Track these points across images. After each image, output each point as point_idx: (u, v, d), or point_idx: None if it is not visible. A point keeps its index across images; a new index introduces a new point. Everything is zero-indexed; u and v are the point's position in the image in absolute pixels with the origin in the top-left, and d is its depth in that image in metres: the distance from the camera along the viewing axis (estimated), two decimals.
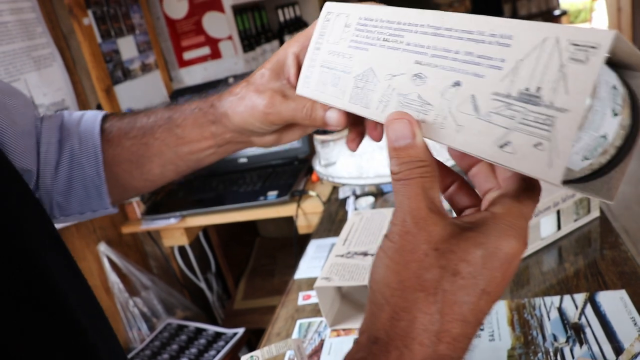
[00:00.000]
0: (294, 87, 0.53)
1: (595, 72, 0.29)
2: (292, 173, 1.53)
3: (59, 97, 1.51)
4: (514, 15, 5.30)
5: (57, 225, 0.56)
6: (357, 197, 1.29)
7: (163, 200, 1.63)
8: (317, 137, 1.25)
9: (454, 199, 0.41)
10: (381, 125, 0.49)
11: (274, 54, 0.56)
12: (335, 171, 1.13)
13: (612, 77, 0.33)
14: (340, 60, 0.46)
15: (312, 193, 1.40)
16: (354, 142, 0.54)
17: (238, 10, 1.95)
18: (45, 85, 1.46)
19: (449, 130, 0.36)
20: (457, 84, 0.36)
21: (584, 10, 9.69)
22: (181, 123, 0.61)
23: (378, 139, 0.50)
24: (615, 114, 0.32)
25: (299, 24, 2.60)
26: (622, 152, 0.34)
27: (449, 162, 0.82)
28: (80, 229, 1.55)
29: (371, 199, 1.25)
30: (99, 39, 1.60)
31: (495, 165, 0.37)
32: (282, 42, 2.35)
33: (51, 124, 0.64)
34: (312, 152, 1.52)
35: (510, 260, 0.33)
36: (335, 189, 1.39)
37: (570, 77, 0.30)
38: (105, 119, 0.66)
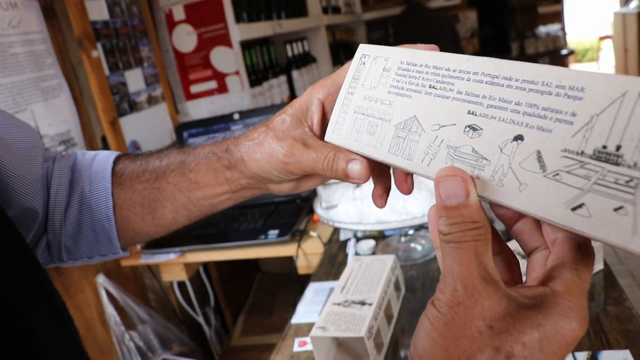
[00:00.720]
0: (317, 135, 0.51)
1: None
2: (294, 212, 1.53)
3: (65, 127, 1.51)
4: (522, 53, 5.33)
5: None
6: (358, 239, 1.28)
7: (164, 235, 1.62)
8: None
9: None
10: (411, 178, 0.46)
11: (297, 99, 0.53)
12: (336, 215, 1.12)
13: None
14: (378, 107, 0.43)
15: (312, 234, 1.38)
16: (382, 197, 0.51)
17: (246, 46, 1.97)
18: (52, 116, 1.47)
19: (509, 189, 0.33)
20: (519, 137, 0.33)
21: (591, 50, 9.75)
22: (194, 167, 0.59)
23: (408, 192, 0.47)
24: None
25: (307, 59, 2.62)
26: None
27: None
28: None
29: (372, 242, 1.24)
30: (106, 71, 1.61)
31: (543, 223, 0.35)
32: (289, 77, 2.36)
33: (63, 165, 0.63)
34: (314, 190, 1.52)
35: (569, 343, 0.31)
36: (336, 229, 1.38)
37: None
38: (117, 160, 0.65)
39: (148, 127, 1.77)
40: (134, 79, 1.73)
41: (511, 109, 0.34)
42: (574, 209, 0.30)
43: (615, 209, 0.28)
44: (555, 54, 6.35)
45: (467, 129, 0.36)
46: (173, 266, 1.59)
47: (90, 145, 1.60)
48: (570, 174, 0.30)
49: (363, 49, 0.46)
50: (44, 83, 1.46)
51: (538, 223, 0.37)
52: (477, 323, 0.31)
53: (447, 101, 0.38)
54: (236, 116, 1.67)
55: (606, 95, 0.30)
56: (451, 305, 0.31)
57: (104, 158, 0.65)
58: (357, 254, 1.22)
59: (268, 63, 2.22)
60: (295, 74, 2.40)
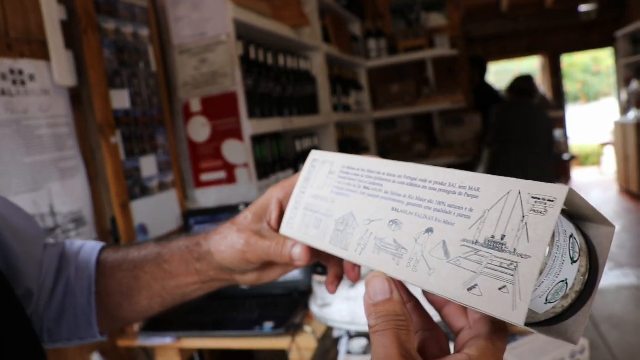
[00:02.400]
0: (274, 229, 0.58)
1: (553, 222, 0.33)
2: (290, 305, 1.55)
3: (77, 207, 1.57)
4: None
5: None
6: (351, 337, 1.30)
7: (162, 318, 1.64)
8: (315, 278, 1.28)
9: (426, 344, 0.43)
10: (359, 267, 0.53)
11: (259, 198, 0.61)
12: (330, 314, 1.15)
13: (569, 227, 0.36)
14: (323, 204, 0.50)
15: (307, 329, 1.40)
16: (333, 284, 0.58)
17: (257, 139, 2.07)
18: (66, 195, 1.53)
19: (421, 273, 0.38)
20: (429, 230, 0.39)
21: (593, 155, 9.95)
22: (169, 259, 0.66)
23: (355, 279, 0.54)
24: (574, 261, 0.36)
25: None
26: (583, 297, 0.37)
27: None
28: None
29: (364, 341, 1.26)
30: (123, 157, 1.69)
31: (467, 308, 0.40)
32: (297, 171, 2.44)
33: (53, 253, 0.69)
34: (311, 286, 1.55)
35: None
36: (331, 327, 1.40)
37: (531, 226, 0.33)
38: (102, 251, 0.71)
39: (157, 211, 1.83)
40: (148, 165, 1.82)
41: (425, 205, 0.40)
42: (469, 289, 0.35)
43: (500, 288, 0.34)
44: (558, 159, 6.50)
45: (391, 223, 0.42)
46: (168, 350, 1.60)
47: (100, 226, 1.65)
48: (467, 260, 0.36)
49: (314, 154, 0.54)
50: (63, 163, 1.53)
51: (463, 307, 0.41)
52: None
53: (376, 200, 0.44)
54: (242, 207, 1.73)
55: (495, 194, 0.36)
56: None
57: (90, 249, 0.71)
58: (349, 352, 1.24)
59: (277, 157, 2.31)
60: (302, 168, 2.48)
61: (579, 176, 8.94)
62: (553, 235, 0.34)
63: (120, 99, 1.71)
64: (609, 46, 8.29)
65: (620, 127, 7.09)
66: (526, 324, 0.35)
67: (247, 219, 0.60)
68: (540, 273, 0.34)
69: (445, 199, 0.39)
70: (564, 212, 0.38)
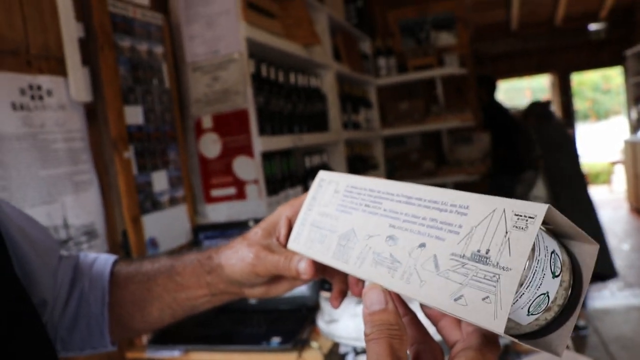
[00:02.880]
0: (282, 245, 0.61)
1: (532, 237, 0.35)
2: (298, 320, 1.56)
3: (90, 220, 1.60)
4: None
5: None
6: (357, 353, 1.31)
7: (170, 331, 1.65)
8: (323, 294, 1.29)
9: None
10: (362, 283, 0.56)
11: (269, 215, 0.64)
12: (336, 329, 1.17)
13: (552, 244, 0.39)
14: (328, 221, 0.53)
15: (314, 345, 1.41)
16: (337, 299, 0.61)
17: (267, 156, 2.09)
18: (79, 208, 1.56)
19: (414, 285, 0.41)
20: (422, 245, 0.42)
21: (603, 173, 9.93)
22: (181, 271, 0.68)
23: (359, 295, 0.57)
24: (555, 275, 0.38)
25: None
26: (566, 311, 0.39)
27: None
28: None
29: None
30: (135, 171, 1.72)
31: (456, 317, 0.42)
32: (306, 188, 2.47)
33: (67, 264, 0.72)
34: (318, 302, 1.56)
35: None
36: (338, 343, 1.41)
37: (513, 241, 0.36)
38: (115, 263, 0.73)
39: (167, 226, 1.85)
40: (159, 180, 1.85)
41: (419, 222, 0.43)
42: (456, 299, 0.38)
43: (483, 299, 0.36)
44: None
45: (388, 238, 0.45)
46: None
47: (111, 239, 1.68)
48: (455, 272, 0.38)
49: (321, 174, 0.58)
50: (77, 177, 1.56)
51: (457, 321, 0.44)
52: None
53: (376, 217, 0.47)
54: (251, 223, 1.75)
55: (482, 211, 0.39)
56: None
57: (104, 261, 0.74)
58: None
59: (286, 173, 2.33)
60: (311, 184, 2.50)
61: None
62: (533, 250, 0.36)
63: (134, 115, 1.75)
64: (618, 64, 8.30)
65: (631, 146, 7.08)
66: (512, 335, 0.38)
67: (257, 234, 0.63)
68: (521, 285, 0.36)
69: (437, 216, 0.42)
70: (549, 231, 0.40)
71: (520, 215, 0.36)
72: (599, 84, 13.93)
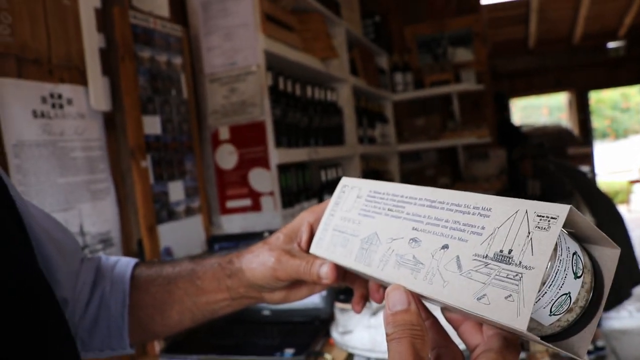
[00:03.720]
0: (304, 250, 0.62)
1: (554, 237, 0.36)
2: (311, 332, 1.55)
3: (106, 228, 1.61)
4: None
5: None
6: None
7: (184, 341, 1.65)
8: (338, 305, 1.29)
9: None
10: (383, 289, 0.56)
11: (292, 221, 0.65)
12: (350, 340, 1.16)
13: (574, 246, 0.39)
14: (350, 225, 0.53)
15: (327, 356, 1.40)
16: (359, 304, 0.62)
17: (283, 169, 2.10)
18: (96, 216, 1.57)
19: (436, 286, 0.41)
20: (445, 246, 0.42)
21: (621, 192, 9.82)
22: (202, 275, 0.69)
23: (380, 300, 0.56)
24: (577, 276, 0.38)
25: None
26: (587, 313, 0.40)
27: None
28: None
29: None
30: (152, 181, 1.74)
31: (479, 321, 0.43)
32: (321, 201, 2.47)
33: (89, 266, 0.72)
34: (333, 314, 1.55)
35: None
36: (350, 354, 1.40)
37: (536, 241, 0.36)
38: (136, 266, 0.74)
39: (182, 235, 1.86)
40: (176, 190, 1.86)
41: (442, 225, 0.43)
42: (479, 298, 0.38)
43: (506, 297, 0.36)
44: None
45: (411, 241, 0.45)
46: None
47: (127, 247, 1.69)
48: (478, 272, 0.39)
49: (344, 180, 0.59)
50: (94, 185, 1.58)
51: (478, 325, 0.44)
52: None
53: (399, 220, 0.48)
54: (266, 235, 1.75)
55: (504, 213, 0.39)
56: None
57: (125, 264, 0.74)
58: None
59: (302, 186, 2.33)
60: (327, 197, 2.51)
61: None
62: (555, 250, 0.37)
63: (152, 125, 1.76)
64: (637, 83, 8.24)
65: None
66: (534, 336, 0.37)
67: (279, 239, 0.64)
68: (543, 283, 0.37)
69: (460, 218, 0.43)
70: (570, 234, 0.41)
71: (543, 216, 0.37)
72: (618, 102, 13.82)
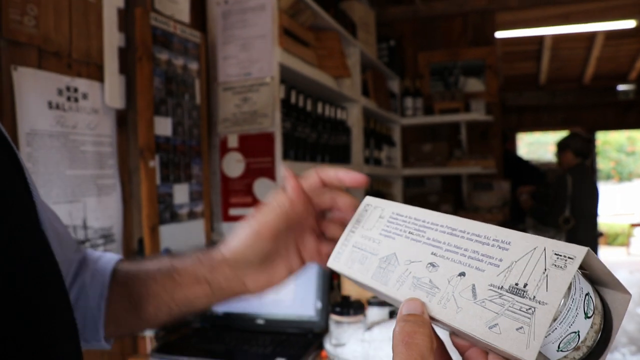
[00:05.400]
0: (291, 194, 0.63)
1: (570, 276, 0.37)
2: (303, 345, 1.55)
3: (109, 224, 1.62)
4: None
5: None
6: None
7: (175, 342, 1.65)
8: (333, 317, 1.29)
9: None
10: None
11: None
12: (343, 353, 1.16)
13: (587, 287, 0.41)
14: (370, 244, 0.55)
15: None
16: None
17: None
18: (100, 211, 1.59)
19: (450, 311, 0.43)
20: (462, 274, 0.44)
21: (622, 235, 9.79)
22: (180, 270, 0.70)
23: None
24: (588, 316, 0.40)
25: None
26: (594, 353, 0.41)
27: None
28: (89, 349, 1.57)
29: None
30: (158, 181, 1.75)
31: (487, 349, 0.43)
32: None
33: (75, 258, 0.73)
34: (327, 327, 1.56)
35: None
36: None
37: (551, 278, 0.38)
38: (120, 261, 0.75)
39: (183, 238, 1.87)
40: (181, 193, 1.87)
41: (461, 253, 0.45)
42: (490, 327, 0.39)
43: (517, 329, 0.38)
44: None
45: (429, 265, 0.47)
46: None
47: (127, 245, 1.70)
48: (492, 302, 0.40)
49: (368, 200, 0.60)
50: (101, 181, 1.59)
51: (484, 353, 0.45)
52: None
53: (419, 244, 0.49)
54: None
55: (523, 248, 0.41)
56: None
57: (109, 258, 0.76)
58: None
59: None
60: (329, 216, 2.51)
61: (606, 254, 8.76)
62: (569, 289, 0.38)
63: (163, 126, 1.78)
64: None
65: None
66: None
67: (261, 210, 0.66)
68: (555, 319, 0.38)
69: (479, 248, 0.44)
70: (585, 276, 0.42)
71: (560, 255, 0.39)
72: (624, 145, 13.85)
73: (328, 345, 1.24)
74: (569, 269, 0.37)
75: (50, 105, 1.39)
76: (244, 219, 0.68)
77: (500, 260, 0.42)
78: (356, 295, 1.56)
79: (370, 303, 1.52)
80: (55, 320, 0.50)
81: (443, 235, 0.48)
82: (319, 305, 1.65)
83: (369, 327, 1.32)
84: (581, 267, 0.41)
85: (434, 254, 0.47)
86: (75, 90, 1.47)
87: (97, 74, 1.56)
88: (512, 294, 0.39)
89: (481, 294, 0.41)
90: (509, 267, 0.41)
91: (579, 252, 0.38)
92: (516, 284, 0.39)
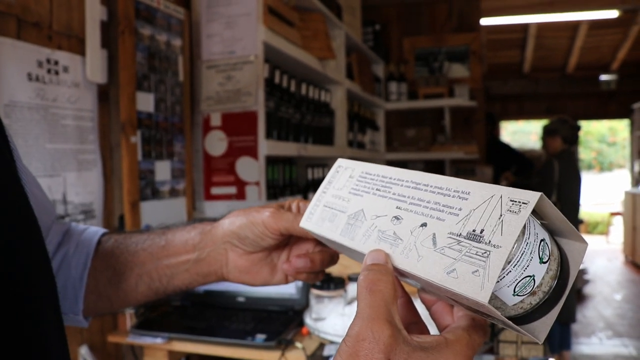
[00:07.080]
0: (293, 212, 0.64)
1: (523, 220, 0.39)
2: (284, 321, 1.56)
3: (89, 199, 1.61)
4: None
5: None
6: None
7: (156, 319, 1.65)
8: (314, 291, 1.30)
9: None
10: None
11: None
12: (323, 327, 1.17)
13: (543, 234, 0.42)
14: (340, 202, 0.57)
15: (298, 345, 1.41)
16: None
17: (271, 161, 2.11)
18: (81, 186, 1.57)
19: (411, 260, 0.44)
20: (424, 224, 0.45)
21: (602, 224, 9.94)
22: (170, 237, 0.70)
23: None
24: (543, 262, 0.41)
25: None
26: (550, 300, 0.43)
27: None
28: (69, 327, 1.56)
29: None
30: (139, 157, 1.74)
31: (450, 302, 0.45)
32: (305, 198, 2.48)
33: (58, 228, 0.73)
34: (307, 304, 1.56)
35: None
36: (321, 345, 1.41)
37: (506, 223, 0.40)
38: (106, 233, 0.74)
39: (164, 216, 1.86)
40: (162, 170, 1.86)
41: (423, 205, 0.47)
42: (448, 272, 0.41)
43: (473, 272, 0.39)
44: None
45: (394, 218, 0.49)
46: (157, 351, 1.61)
47: (108, 221, 1.69)
48: (450, 249, 0.42)
49: (340, 162, 0.62)
50: (82, 156, 1.58)
51: (450, 307, 0.47)
52: (378, 356, 0.38)
53: (385, 199, 0.51)
54: None
55: (481, 197, 0.43)
56: (357, 339, 0.39)
57: (94, 230, 0.75)
58: None
59: (288, 181, 2.35)
60: (311, 195, 2.51)
61: None
62: (523, 233, 0.40)
63: (145, 102, 1.77)
64: (626, 117, 8.36)
65: (631, 197, 7.10)
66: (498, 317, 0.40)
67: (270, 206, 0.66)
68: (508, 262, 0.40)
69: (441, 200, 0.46)
70: (544, 226, 0.44)
71: (515, 201, 0.40)
72: (606, 136, 14.01)
73: (308, 320, 1.25)
74: (523, 214, 0.39)
75: (29, 77, 1.38)
76: (226, 198, 0.68)
77: (460, 209, 0.43)
78: (337, 274, 1.57)
79: (350, 278, 1.53)
80: (37, 273, 0.49)
81: (408, 190, 0.49)
82: (300, 283, 1.66)
83: (349, 302, 1.33)
84: (540, 218, 0.43)
85: (399, 208, 0.49)
86: (56, 63, 1.46)
87: (78, 47, 1.54)
88: (469, 239, 0.41)
89: (441, 242, 0.43)
90: (467, 215, 0.42)
91: (533, 197, 0.39)
92: (473, 230, 0.41)
